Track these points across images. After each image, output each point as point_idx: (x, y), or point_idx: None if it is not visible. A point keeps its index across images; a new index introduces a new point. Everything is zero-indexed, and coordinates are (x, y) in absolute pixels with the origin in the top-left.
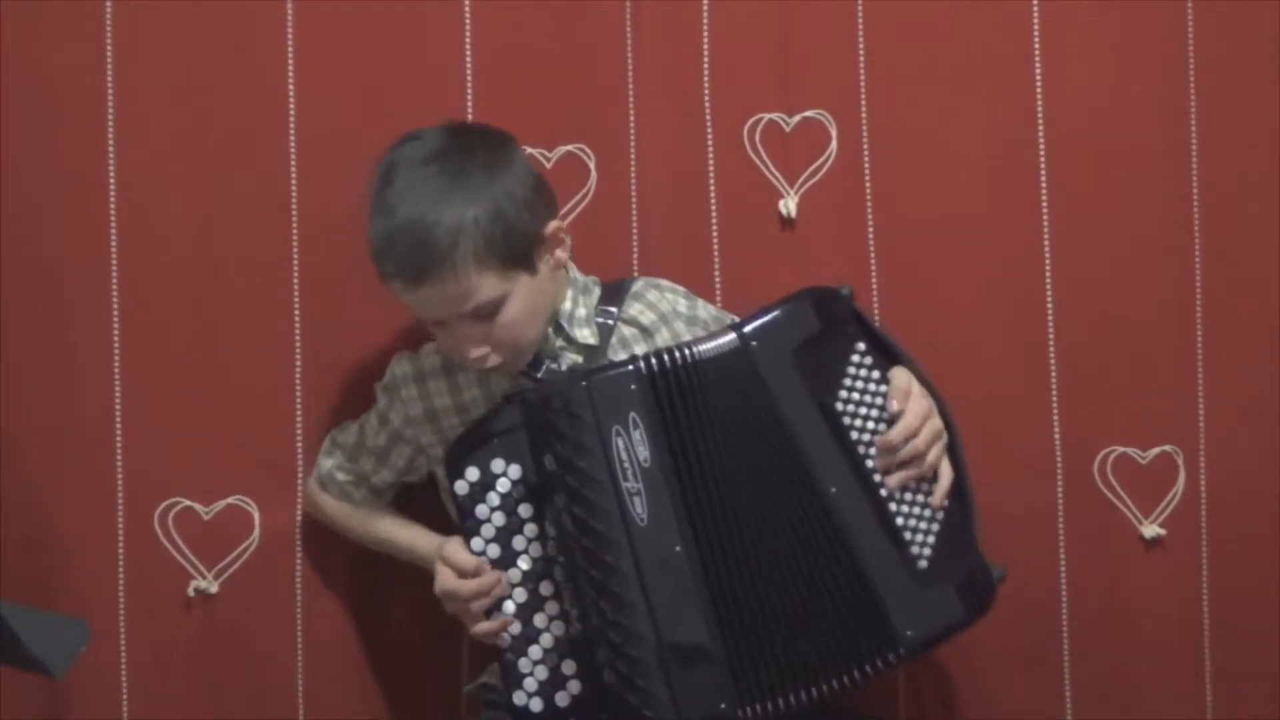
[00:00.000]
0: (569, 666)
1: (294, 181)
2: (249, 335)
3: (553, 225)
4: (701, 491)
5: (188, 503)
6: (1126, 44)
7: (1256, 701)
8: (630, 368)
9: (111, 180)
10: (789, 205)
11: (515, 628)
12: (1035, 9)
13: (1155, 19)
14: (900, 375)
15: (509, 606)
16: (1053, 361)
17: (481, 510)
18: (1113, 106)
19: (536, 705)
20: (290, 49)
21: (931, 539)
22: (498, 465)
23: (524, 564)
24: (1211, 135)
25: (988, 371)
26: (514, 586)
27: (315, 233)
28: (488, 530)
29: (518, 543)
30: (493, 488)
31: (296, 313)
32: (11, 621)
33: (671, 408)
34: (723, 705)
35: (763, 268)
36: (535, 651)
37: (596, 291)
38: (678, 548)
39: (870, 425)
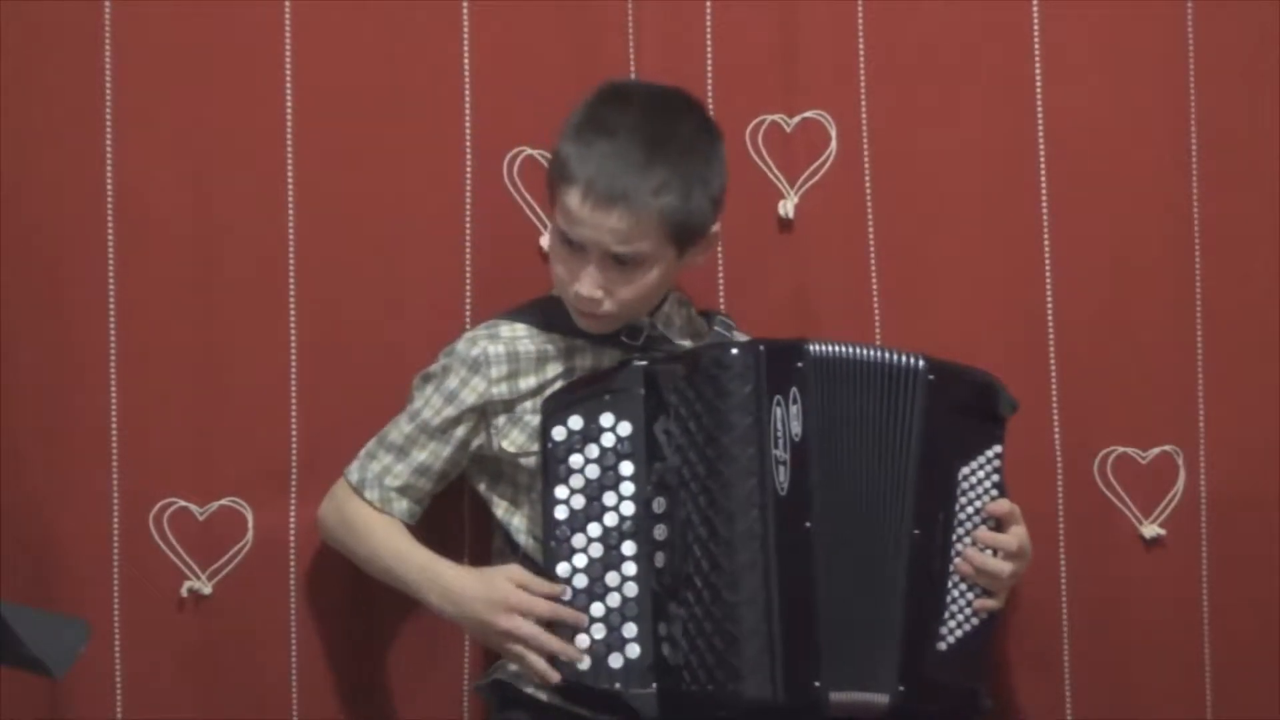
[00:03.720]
0: (630, 630)
1: (291, 183)
2: (245, 336)
3: (717, 228)
4: (832, 477)
5: (182, 503)
6: (1126, 44)
7: (1256, 701)
8: (800, 347)
9: (109, 181)
10: (788, 206)
11: (584, 641)
12: (1035, 9)
13: (1155, 19)
14: (1018, 510)
15: (580, 580)
16: (1053, 361)
17: (576, 460)
18: (1113, 107)
19: (584, 663)
20: (288, 50)
21: (960, 632)
22: (607, 419)
23: (610, 520)
24: (1211, 135)
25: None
26: (591, 542)
27: (312, 233)
28: (577, 480)
29: (608, 498)
30: (595, 440)
31: (292, 314)
32: (11, 621)
33: (830, 393)
34: (817, 684)
35: (764, 268)
36: (598, 609)
37: (690, 311)
38: (808, 524)
39: (970, 511)
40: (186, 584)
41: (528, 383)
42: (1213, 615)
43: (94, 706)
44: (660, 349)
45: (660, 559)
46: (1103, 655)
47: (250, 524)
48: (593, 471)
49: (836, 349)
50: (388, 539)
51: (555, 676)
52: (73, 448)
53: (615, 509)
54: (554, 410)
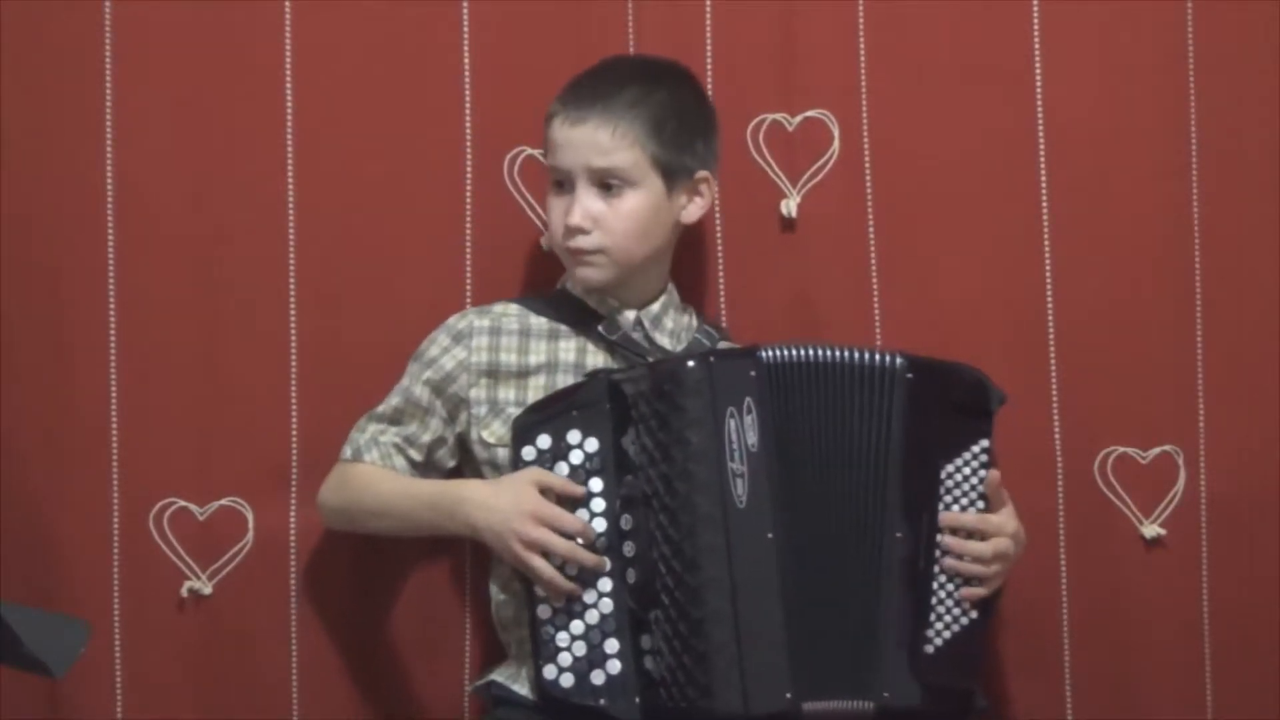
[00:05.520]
0: (611, 645)
1: (290, 183)
2: (245, 336)
3: (705, 173)
4: (795, 486)
5: (182, 503)
6: (1126, 44)
7: (1256, 701)
8: (753, 355)
9: (109, 182)
10: (790, 206)
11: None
12: (1035, 9)
13: (1155, 19)
14: (1005, 492)
15: (558, 599)
16: (1053, 361)
17: None
18: (1113, 106)
19: (567, 680)
20: (288, 50)
21: (948, 634)
22: (574, 436)
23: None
24: (1211, 135)
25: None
26: (567, 561)
27: (312, 233)
28: (550, 499)
29: (581, 515)
30: (564, 458)
31: (292, 314)
32: (11, 621)
33: (790, 399)
34: (788, 695)
35: (764, 268)
36: (578, 627)
37: (694, 321)
38: (769, 535)
39: (956, 509)
40: (186, 584)
41: (508, 358)
42: (1213, 615)
43: (94, 706)
44: (638, 347)
45: (632, 575)
46: (1103, 655)
47: (250, 524)
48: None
49: (796, 353)
50: (393, 483)
51: (575, 589)
52: (73, 448)
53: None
54: (522, 430)
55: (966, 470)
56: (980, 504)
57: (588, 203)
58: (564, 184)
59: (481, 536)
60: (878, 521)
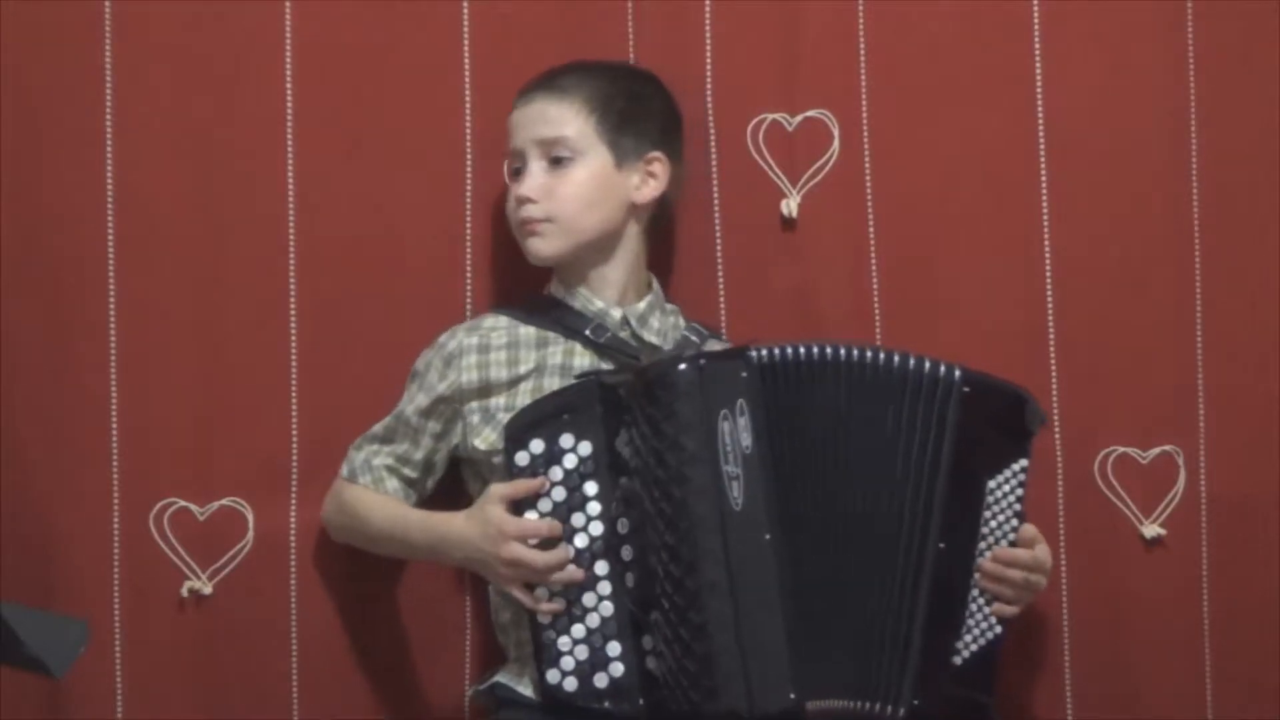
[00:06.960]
0: (614, 648)
1: (291, 183)
2: (245, 336)
3: (658, 154)
4: (799, 487)
5: (183, 503)
6: (1126, 44)
7: (1256, 701)
8: (743, 356)
9: (109, 182)
10: (790, 205)
11: (559, 603)
12: (1035, 9)
13: (1155, 18)
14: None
15: (558, 603)
16: (1053, 361)
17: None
18: (1113, 106)
19: (570, 685)
20: (288, 50)
21: (975, 647)
22: (566, 440)
23: (580, 541)
24: (1211, 135)
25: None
26: (565, 564)
27: (311, 234)
28: (544, 504)
29: (576, 519)
30: (558, 462)
31: (293, 314)
32: (11, 621)
33: (787, 401)
34: (792, 695)
35: (765, 268)
36: (579, 630)
37: (680, 321)
38: (767, 536)
39: (994, 524)
40: (186, 584)
41: (499, 373)
42: (1213, 615)
43: (94, 706)
44: (627, 347)
45: (630, 579)
46: (1103, 655)
47: (250, 524)
48: (559, 494)
49: (791, 352)
50: (387, 512)
51: (558, 607)
52: (73, 448)
53: (584, 530)
54: (515, 435)
55: (1006, 488)
56: (1015, 521)
57: (536, 176)
58: (520, 171)
59: (473, 569)
60: (919, 529)
